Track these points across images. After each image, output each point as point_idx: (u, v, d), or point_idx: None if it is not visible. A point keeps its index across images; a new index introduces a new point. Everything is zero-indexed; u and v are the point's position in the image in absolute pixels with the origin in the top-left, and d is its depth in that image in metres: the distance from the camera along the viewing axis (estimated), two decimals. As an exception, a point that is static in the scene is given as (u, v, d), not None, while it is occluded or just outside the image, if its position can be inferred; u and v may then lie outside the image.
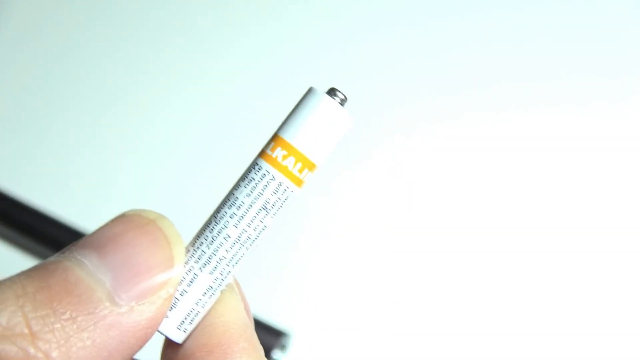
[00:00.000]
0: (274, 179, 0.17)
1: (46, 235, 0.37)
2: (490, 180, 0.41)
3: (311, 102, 0.17)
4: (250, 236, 0.17)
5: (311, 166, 0.17)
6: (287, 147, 0.17)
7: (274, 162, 0.17)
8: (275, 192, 0.17)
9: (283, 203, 0.17)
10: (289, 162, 0.17)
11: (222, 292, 0.17)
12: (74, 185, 0.39)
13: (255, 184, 0.17)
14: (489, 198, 0.40)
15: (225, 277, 0.17)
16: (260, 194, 0.17)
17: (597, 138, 0.42)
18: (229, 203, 0.17)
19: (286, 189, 0.17)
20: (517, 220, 0.40)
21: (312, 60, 0.43)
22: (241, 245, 0.17)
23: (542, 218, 0.40)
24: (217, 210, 0.17)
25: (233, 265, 0.17)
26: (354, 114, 0.18)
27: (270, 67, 0.43)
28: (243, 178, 0.17)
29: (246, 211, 0.17)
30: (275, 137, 0.17)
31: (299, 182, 0.17)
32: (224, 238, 0.17)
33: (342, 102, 0.17)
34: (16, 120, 0.42)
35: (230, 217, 0.17)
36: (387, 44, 0.43)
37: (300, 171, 0.17)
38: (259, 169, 0.17)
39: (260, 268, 0.38)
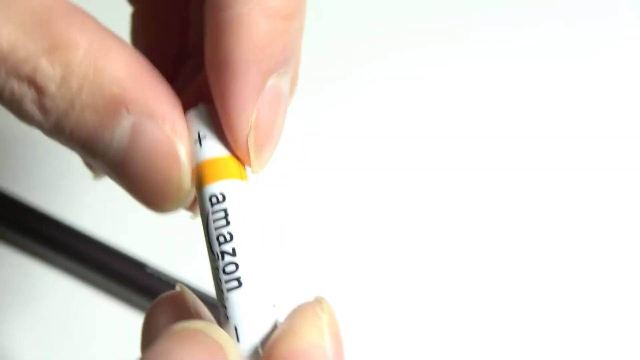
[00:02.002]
0: (227, 190, 0.17)
1: (47, 236, 0.36)
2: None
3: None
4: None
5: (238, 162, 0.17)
6: (208, 164, 0.17)
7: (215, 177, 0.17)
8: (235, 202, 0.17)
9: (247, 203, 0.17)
10: (221, 171, 0.17)
11: None
12: (74, 185, 0.39)
13: (217, 209, 0.17)
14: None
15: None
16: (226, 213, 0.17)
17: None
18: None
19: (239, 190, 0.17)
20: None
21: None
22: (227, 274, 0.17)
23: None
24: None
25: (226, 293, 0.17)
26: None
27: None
28: (202, 212, 0.17)
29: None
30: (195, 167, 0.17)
31: (244, 177, 0.17)
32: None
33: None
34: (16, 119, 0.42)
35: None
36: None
37: (235, 169, 0.17)
38: (208, 196, 0.17)
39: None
